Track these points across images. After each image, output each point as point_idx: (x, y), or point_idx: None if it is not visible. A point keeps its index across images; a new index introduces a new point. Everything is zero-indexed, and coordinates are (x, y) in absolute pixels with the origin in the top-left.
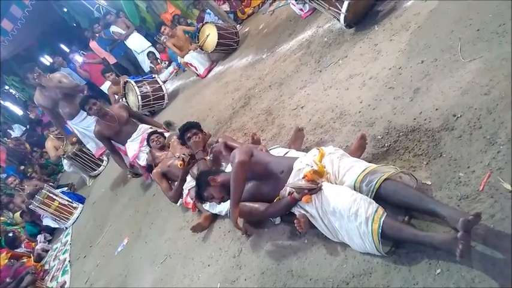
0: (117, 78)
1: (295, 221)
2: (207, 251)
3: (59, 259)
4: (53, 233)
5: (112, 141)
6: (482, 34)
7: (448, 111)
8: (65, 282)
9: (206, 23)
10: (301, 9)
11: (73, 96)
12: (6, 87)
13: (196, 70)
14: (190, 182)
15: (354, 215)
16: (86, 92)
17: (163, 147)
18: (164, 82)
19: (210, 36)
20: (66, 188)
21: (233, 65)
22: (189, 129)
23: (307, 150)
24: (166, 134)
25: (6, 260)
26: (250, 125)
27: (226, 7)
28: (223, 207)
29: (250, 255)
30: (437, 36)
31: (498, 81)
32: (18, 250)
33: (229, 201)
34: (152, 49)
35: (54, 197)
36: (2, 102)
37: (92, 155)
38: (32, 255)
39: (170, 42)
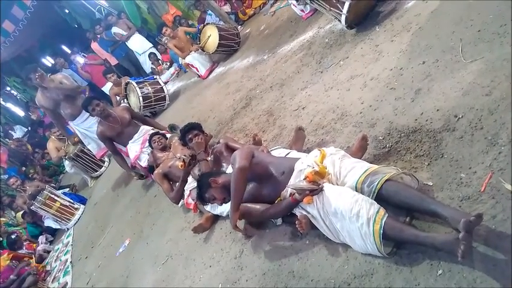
0: (118, 79)
1: (296, 222)
2: (208, 251)
3: (60, 260)
4: (54, 234)
5: (114, 143)
6: (484, 35)
7: (450, 112)
8: (67, 283)
9: (207, 24)
10: (302, 10)
11: (74, 97)
12: (8, 88)
13: (198, 71)
14: (191, 183)
15: (356, 216)
16: (87, 93)
17: (164, 148)
18: (165, 83)
19: (211, 37)
20: (68, 189)
21: (234, 66)
22: (191, 130)
23: (308, 151)
24: (168, 135)
25: (8, 261)
26: (251, 126)
27: (227, 8)
28: (225, 208)
29: (251, 256)
30: (438, 37)
31: (499, 82)
32: (20, 251)
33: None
34: (153, 50)
35: (56, 198)
36: (3, 103)
37: (94, 156)
38: (33, 256)
39: (171, 43)
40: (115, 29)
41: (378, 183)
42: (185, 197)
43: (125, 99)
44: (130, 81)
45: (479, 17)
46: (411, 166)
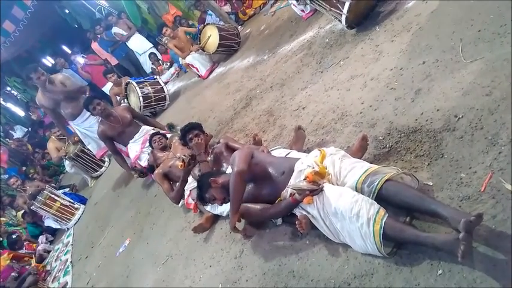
0: (118, 80)
1: (296, 222)
2: (208, 251)
3: (60, 260)
4: (54, 233)
5: (114, 142)
6: (484, 35)
7: (450, 112)
8: (67, 283)
9: (207, 24)
10: (302, 10)
11: (75, 97)
12: (8, 88)
13: (198, 71)
14: (191, 183)
15: (356, 216)
16: (87, 93)
17: (165, 148)
18: (166, 83)
19: (212, 37)
20: (68, 189)
21: (234, 66)
22: (191, 130)
23: (308, 151)
24: (168, 135)
25: (8, 261)
26: (251, 126)
27: (227, 8)
28: (225, 208)
29: (251, 256)
30: (438, 37)
31: (499, 82)
32: (20, 251)
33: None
34: (154, 50)
35: (56, 197)
36: (3, 103)
37: (94, 156)
38: (33, 256)
39: (171, 44)
40: (115, 29)
41: (378, 183)
42: (185, 197)
43: (125, 99)
44: (131, 81)
45: (480, 17)
46: (411, 166)
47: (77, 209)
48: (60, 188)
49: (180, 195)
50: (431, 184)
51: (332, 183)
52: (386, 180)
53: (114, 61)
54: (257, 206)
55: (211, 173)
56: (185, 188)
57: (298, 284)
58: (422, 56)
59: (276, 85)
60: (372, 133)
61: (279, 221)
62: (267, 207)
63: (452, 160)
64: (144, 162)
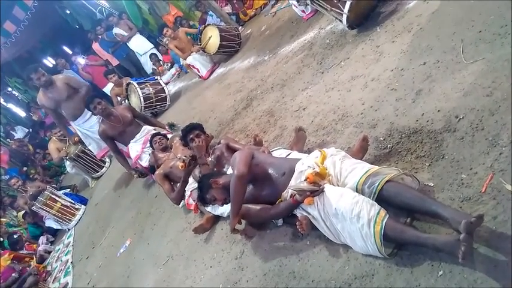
0: (119, 80)
1: (297, 223)
2: (209, 252)
3: (61, 260)
4: (55, 234)
5: (115, 142)
6: (484, 35)
7: (450, 113)
8: (67, 283)
9: (208, 24)
10: (303, 11)
11: (76, 97)
12: (9, 89)
13: (199, 72)
14: (192, 184)
15: (356, 217)
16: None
17: (165, 149)
18: (166, 84)
19: (212, 38)
20: (69, 190)
21: (235, 66)
22: (192, 130)
23: (309, 152)
24: (169, 136)
25: (9, 261)
26: (252, 127)
27: (228, 9)
28: (226, 209)
29: (252, 257)
30: (439, 38)
31: (500, 83)
32: (20, 252)
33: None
34: (154, 51)
35: (57, 198)
36: (4, 103)
37: (95, 156)
38: (34, 256)
39: (172, 44)
40: (116, 30)
41: (378, 184)
42: (186, 197)
43: (126, 100)
44: (132, 81)
45: (480, 17)
46: (412, 167)
47: (77, 209)
48: (61, 188)
49: (181, 196)
50: (432, 185)
51: (333, 184)
52: (387, 181)
53: (115, 62)
54: (258, 207)
55: (212, 173)
56: (186, 189)
57: (298, 284)
58: (423, 57)
59: (276, 86)
60: (373, 134)
61: (280, 221)
62: (268, 208)
63: (453, 161)
64: (145, 163)
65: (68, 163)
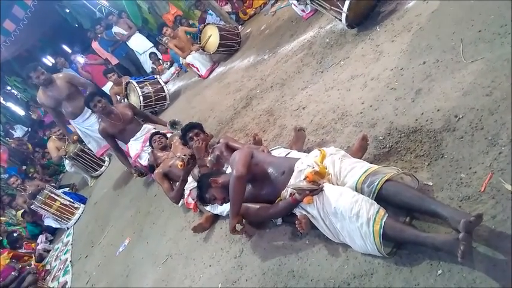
0: (119, 79)
1: (296, 222)
2: (208, 251)
3: (60, 259)
4: (54, 233)
5: (116, 140)
6: (484, 35)
7: (450, 112)
8: (66, 282)
9: (208, 24)
10: (303, 10)
11: (76, 95)
12: (8, 87)
13: (198, 71)
14: (191, 183)
15: (356, 216)
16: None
17: (165, 148)
18: (166, 83)
19: (212, 37)
20: (68, 188)
21: (235, 65)
22: (191, 129)
23: (308, 151)
24: (169, 135)
25: (8, 260)
26: (251, 126)
27: (228, 8)
28: (225, 208)
29: (251, 256)
30: (439, 37)
31: (500, 82)
32: (19, 250)
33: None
34: (154, 50)
35: (56, 197)
36: (4, 102)
37: (94, 155)
38: (33, 255)
39: (172, 43)
40: (116, 29)
41: (378, 184)
42: (185, 196)
43: (125, 99)
44: (131, 80)
45: (480, 17)
46: (411, 166)
47: (76, 208)
48: (60, 187)
49: (180, 195)
50: (431, 184)
51: (332, 183)
52: (387, 180)
53: (114, 60)
54: (257, 206)
55: (211, 173)
56: (185, 188)
57: (297, 283)
58: (422, 56)
59: (276, 85)
60: (372, 133)
61: (279, 220)
62: (267, 207)
63: (453, 160)
64: (144, 161)
65: (67, 162)
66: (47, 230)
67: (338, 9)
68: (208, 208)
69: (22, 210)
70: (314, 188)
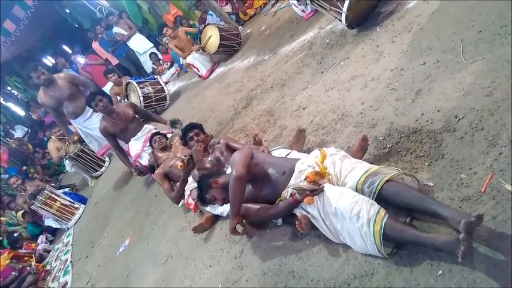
0: (119, 79)
1: (296, 222)
2: (208, 251)
3: (60, 259)
4: (54, 233)
5: (116, 139)
6: (484, 35)
7: (450, 113)
8: (67, 282)
9: (208, 24)
10: (303, 11)
11: (77, 95)
12: (9, 88)
13: (198, 71)
14: (192, 183)
15: (356, 217)
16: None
17: (165, 148)
18: (166, 83)
19: (212, 37)
20: (68, 189)
21: (235, 66)
22: (191, 129)
23: (308, 151)
24: (169, 135)
25: (8, 260)
26: (252, 126)
27: (228, 8)
28: (225, 209)
29: (251, 256)
30: (439, 38)
31: (500, 83)
32: (20, 251)
33: None
34: (154, 50)
35: (56, 197)
36: (4, 102)
37: (94, 155)
38: (33, 255)
39: (172, 44)
40: (116, 29)
41: (378, 184)
42: (185, 197)
43: (126, 99)
44: (131, 81)
45: (480, 17)
46: (411, 167)
47: (77, 208)
48: (60, 187)
49: (181, 195)
50: (432, 185)
51: (332, 184)
52: (387, 180)
53: (114, 61)
54: (257, 206)
55: (211, 173)
56: (185, 188)
57: (298, 284)
58: (422, 57)
59: (276, 85)
60: (372, 133)
61: (279, 221)
62: (267, 208)
63: (453, 161)
64: (144, 161)
65: (67, 162)
66: (47, 230)
67: (338, 10)
68: (208, 209)
69: (22, 211)
70: (314, 189)
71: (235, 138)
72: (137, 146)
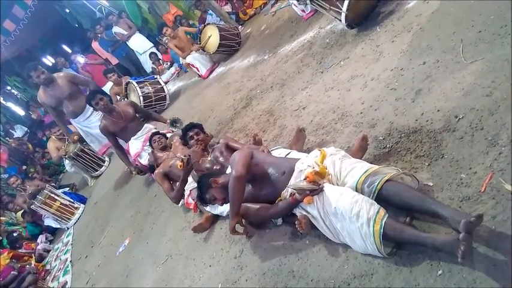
0: (119, 79)
1: (296, 222)
2: (208, 251)
3: (60, 259)
4: (54, 233)
5: (116, 138)
6: (484, 35)
7: (450, 113)
8: (66, 282)
9: (208, 24)
10: (303, 11)
11: (77, 95)
12: (8, 87)
13: (198, 71)
14: (191, 183)
15: (356, 216)
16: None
17: (165, 148)
18: (166, 83)
19: (212, 37)
20: (68, 188)
21: (235, 66)
22: (191, 128)
23: (308, 151)
24: (169, 135)
25: (8, 260)
26: (251, 126)
27: (228, 8)
28: (225, 208)
29: (251, 256)
30: (439, 38)
31: (500, 83)
32: (19, 250)
33: None
34: (154, 50)
35: (56, 197)
36: (4, 102)
37: (94, 155)
38: (33, 255)
39: (172, 43)
40: (116, 29)
41: (378, 184)
42: (185, 196)
43: (125, 99)
44: (131, 80)
45: (480, 17)
46: (411, 166)
47: (76, 208)
48: (60, 187)
49: (180, 195)
50: (432, 184)
51: (332, 183)
52: (387, 180)
53: (114, 60)
54: (257, 206)
55: (211, 173)
56: (185, 188)
57: (297, 284)
58: (422, 57)
59: (276, 85)
60: (372, 133)
61: (279, 221)
62: (267, 207)
63: (453, 160)
64: (144, 161)
65: (67, 162)
66: (47, 230)
67: (337, 9)
68: (208, 208)
69: (22, 210)
70: (314, 188)
71: (235, 138)
72: (137, 145)
